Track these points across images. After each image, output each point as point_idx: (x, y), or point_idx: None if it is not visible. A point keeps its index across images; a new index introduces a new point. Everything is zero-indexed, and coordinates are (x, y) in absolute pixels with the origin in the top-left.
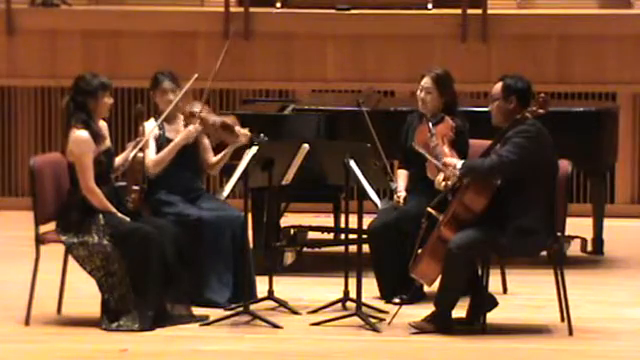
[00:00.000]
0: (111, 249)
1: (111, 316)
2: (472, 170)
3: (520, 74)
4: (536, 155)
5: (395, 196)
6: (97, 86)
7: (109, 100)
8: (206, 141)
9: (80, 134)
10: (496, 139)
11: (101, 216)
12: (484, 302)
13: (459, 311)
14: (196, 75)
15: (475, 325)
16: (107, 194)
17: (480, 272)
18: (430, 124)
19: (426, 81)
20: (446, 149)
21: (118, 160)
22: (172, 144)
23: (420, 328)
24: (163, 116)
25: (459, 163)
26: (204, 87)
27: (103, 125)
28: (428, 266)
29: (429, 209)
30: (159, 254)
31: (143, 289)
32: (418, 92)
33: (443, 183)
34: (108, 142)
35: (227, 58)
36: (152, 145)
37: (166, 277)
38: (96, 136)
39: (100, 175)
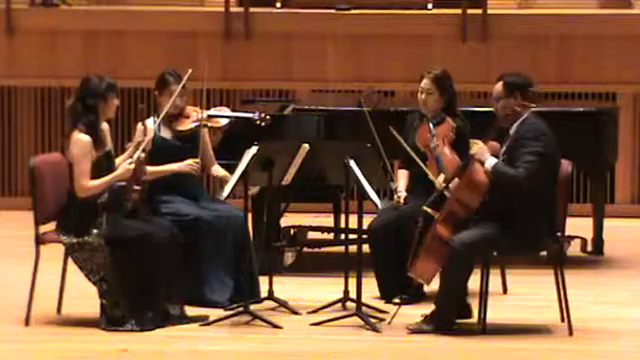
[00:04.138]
0: (109, 255)
1: (109, 318)
2: (501, 176)
3: (518, 71)
4: (546, 153)
5: (395, 196)
6: (106, 88)
7: (116, 101)
8: (206, 138)
9: (82, 137)
10: (492, 139)
11: (99, 214)
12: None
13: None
14: (190, 70)
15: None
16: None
17: (481, 273)
18: (431, 125)
19: (425, 82)
20: (446, 150)
21: (119, 162)
22: (170, 168)
23: (419, 330)
24: (161, 116)
25: (490, 161)
26: (202, 88)
27: (105, 127)
28: (425, 264)
29: (425, 208)
30: (158, 255)
31: (142, 290)
32: (419, 94)
33: (444, 184)
34: (109, 145)
35: (227, 58)
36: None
37: (165, 278)
38: (98, 141)
39: (100, 178)
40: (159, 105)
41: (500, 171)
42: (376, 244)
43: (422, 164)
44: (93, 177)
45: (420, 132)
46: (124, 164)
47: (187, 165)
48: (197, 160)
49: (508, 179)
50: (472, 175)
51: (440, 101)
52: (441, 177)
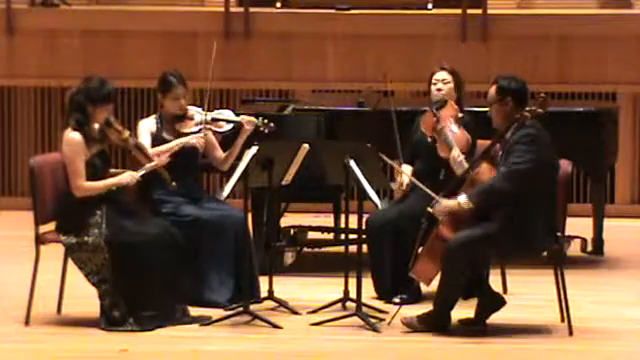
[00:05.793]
0: (108, 255)
1: (109, 318)
2: (486, 196)
3: (514, 74)
4: (539, 157)
5: (397, 181)
6: (102, 96)
7: (108, 111)
8: (212, 138)
9: (72, 136)
10: (495, 139)
11: (98, 214)
12: (489, 302)
13: (466, 311)
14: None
15: (479, 325)
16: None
17: (482, 272)
18: (434, 108)
19: (441, 73)
20: (454, 127)
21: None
22: (180, 142)
23: (411, 326)
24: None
25: (462, 198)
26: (203, 87)
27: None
28: (426, 265)
29: (429, 209)
30: (158, 255)
31: (142, 290)
32: (433, 87)
33: (459, 158)
34: (100, 145)
35: (227, 58)
36: (146, 140)
37: (165, 278)
38: (89, 139)
39: (95, 178)
40: (161, 106)
41: (476, 195)
42: (374, 243)
43: (421, 184)
44: (88, 177)
45: (424, 120)
46: (129, 172)
47: (197, 139)
48: (202, 136)
49: (488, 194)
50: (475, 177)
51: (455, 91)
52: (455, 151)
